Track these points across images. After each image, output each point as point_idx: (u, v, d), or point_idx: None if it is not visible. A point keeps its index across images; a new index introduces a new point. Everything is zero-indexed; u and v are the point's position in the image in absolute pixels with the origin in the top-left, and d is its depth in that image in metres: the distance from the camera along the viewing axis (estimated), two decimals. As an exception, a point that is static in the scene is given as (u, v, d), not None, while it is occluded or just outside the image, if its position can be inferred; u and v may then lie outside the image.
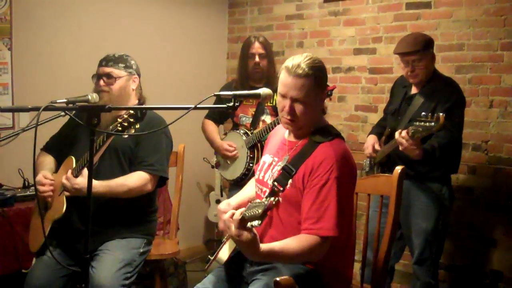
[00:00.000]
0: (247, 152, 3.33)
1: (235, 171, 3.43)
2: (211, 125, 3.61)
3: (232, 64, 4.98)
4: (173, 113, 1.83)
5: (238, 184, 3.35)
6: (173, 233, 3.23)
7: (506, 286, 3.38)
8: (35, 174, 1.80)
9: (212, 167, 4.58)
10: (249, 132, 3.38)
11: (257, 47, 3.38)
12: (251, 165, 3.30)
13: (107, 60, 2.64)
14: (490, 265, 3.47)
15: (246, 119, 3.45)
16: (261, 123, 3.37)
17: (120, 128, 1.90)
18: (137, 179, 2.59)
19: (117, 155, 2.63)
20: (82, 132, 2.66)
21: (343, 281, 2.14)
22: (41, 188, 2.55)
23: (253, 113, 3.40)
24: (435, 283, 3.05)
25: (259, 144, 3.29)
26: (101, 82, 2.61)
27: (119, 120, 1.90)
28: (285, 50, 4.54)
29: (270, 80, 3.31)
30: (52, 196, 2.58)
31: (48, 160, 2.74)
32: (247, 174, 3.33)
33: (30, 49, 3.65)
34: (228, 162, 3.49)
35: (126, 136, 2.50)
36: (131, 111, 1.91)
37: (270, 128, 3.12)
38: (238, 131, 3.44)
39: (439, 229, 3.00)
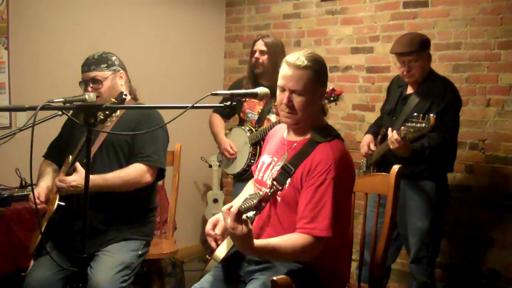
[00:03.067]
0: (250, 149, 3.38)
1: (236, 166, 3.49)
2: (217, 119, 3.64)
3: (230, 63, 4.98)
4: (170, 112, 1.83)
5: (239, 179, 3.45)
6: (170, 233, 3.22)
7: (503, 285, 3.39)
8: (32, 177, 1.79)
9: (210, 166, 4.61)
10: (253, 129, 3.42)
11: (259, 44, 3.41)
12: (252, 161, 3.34)
13: (88, 65, 2.60)
14: (487, 264, 3.47)
15: (253, 116, 3.47)
16: (266, 122, 3.39)
17: (102, 117, 1.92)
18: (133, 170, 2.56)
19: (114, 150, 2.60)
20: (76, 131, 2.64)
21: (340, 280, 2.14)
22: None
23: (260, 110, 3.42)
24: (432, 282, 3.05)
25: (262, 142, 3.30)
26: (89, 88, 2.58)
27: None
28: (282, 49, 4.53)
29: (273, 79, 3.31)
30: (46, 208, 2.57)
31: (49, 169, 2.72)
32: (247, 170, 3.37)
33: (27, 48, 3.64)
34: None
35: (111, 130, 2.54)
36: (112, 99, 2.01)
37: (272, 126, 3.13)
38: (243, 127, 3.49)
39: (434, 228, 3.01)
